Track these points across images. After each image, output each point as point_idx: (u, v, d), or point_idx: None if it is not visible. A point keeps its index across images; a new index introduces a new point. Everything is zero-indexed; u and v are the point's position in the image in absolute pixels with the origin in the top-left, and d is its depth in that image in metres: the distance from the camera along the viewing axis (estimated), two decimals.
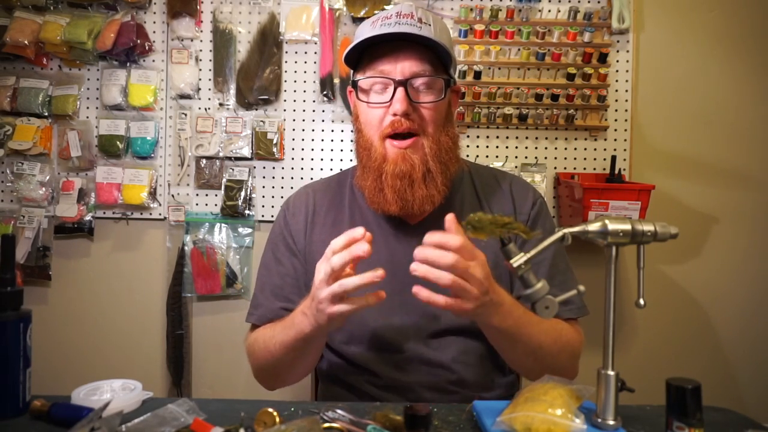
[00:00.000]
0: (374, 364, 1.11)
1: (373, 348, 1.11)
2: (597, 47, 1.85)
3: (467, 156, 1.86)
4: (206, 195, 1.92)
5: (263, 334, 1.10)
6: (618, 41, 1.91)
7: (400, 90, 1.03)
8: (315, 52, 1.91)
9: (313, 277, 1.16)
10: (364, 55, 1.08)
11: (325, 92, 1.89)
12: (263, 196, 1.92)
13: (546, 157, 1.91)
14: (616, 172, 1.82)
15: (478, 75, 1.84)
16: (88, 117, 1.91)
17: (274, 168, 1.93)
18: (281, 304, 1.15)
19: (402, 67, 1.04)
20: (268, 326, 1.12)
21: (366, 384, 1.12)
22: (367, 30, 1.07)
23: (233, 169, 1.90)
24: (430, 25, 1.06)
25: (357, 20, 1.88)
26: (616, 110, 1.91)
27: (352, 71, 1.14)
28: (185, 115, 1.90)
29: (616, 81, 1.91)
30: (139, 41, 1.85)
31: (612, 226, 0.78)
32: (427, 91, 1.07)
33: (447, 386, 1.09)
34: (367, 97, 1.08)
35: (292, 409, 0.88)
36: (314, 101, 1.92)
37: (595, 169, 1.91)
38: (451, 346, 1.10)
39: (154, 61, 1.91)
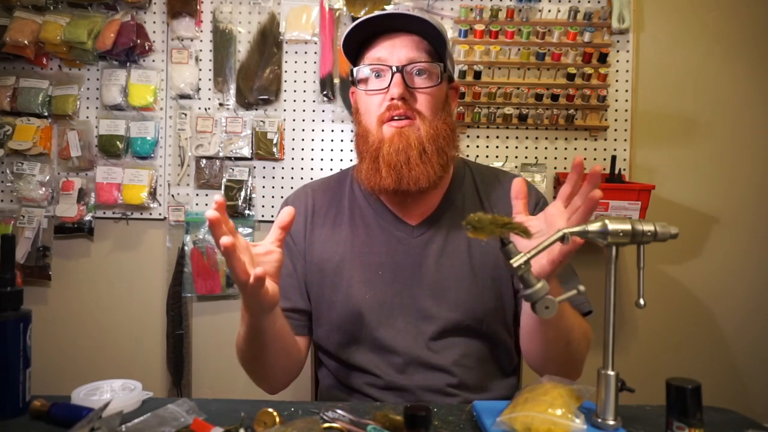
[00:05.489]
0: (374, 366, 1.10)
1: (372, 350, 1.11)
2: (597, 47, 1.85)
3: (467, 156, 1.86)
4: (206, 195, 1.92)
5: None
6: (618, 41, 1.91)
7: (397, 75, 1.05)
8: (315, 52, 1.91)
9: (314, 278, 1.16)
10: (362, 47, 1.11)
11: (325, 92, 1.89)
12: (263, 196, 1.92)
13: (546, 157, 1.91)
14: (616, 172, 1.82)
15: (478, 75, 1.84)
16: (88, 117, 1.91)
17: (274, 168, 1.93)
18: (284, 305, 1.15)
19: (398, 54, 1.07)
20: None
21: (366, 386, 1.11)
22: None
23: (233, 169, 1.90)
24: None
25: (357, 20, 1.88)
26: (616, 110, 1.91)
27: (351, 67, 1.16)
28: (185, 115, 1.90)
29: (616, 81, 1.91)
30: (139, 41, 1.85)
31: (612, 226, 0.78)
32: (424, 77, 1.09)
33: (447, 389, 1.09)
34: (365, 85, 1.11)
35: (292, 409, 0.88)
36: (314, 101, 1.92)
37: None
38: (451, 349, 1.09)
39: (154, 61, 1.91)
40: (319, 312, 1.16)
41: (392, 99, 1.06)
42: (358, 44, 1.12)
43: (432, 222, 1.14)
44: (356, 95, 1.15)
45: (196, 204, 1.92)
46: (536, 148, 1.92)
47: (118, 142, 1.88)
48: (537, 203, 1.18)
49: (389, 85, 1.06)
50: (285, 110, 1.92)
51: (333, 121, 1.92)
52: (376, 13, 1.08)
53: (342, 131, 1.92)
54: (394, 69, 1.06)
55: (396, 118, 1.07)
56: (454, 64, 1.29)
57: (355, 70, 1.12)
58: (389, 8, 1.84)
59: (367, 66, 1.10)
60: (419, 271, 1.11)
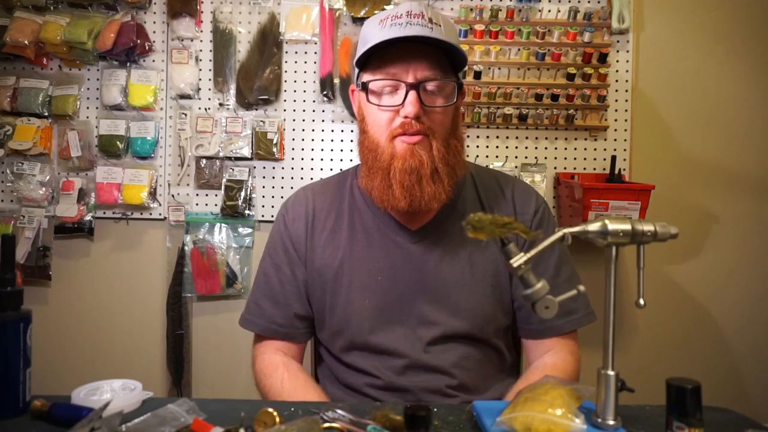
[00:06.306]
0: (373, 369, 1.10)
1: (373, 354, 1.10)
2: (597, 47, 1.85)
3: (467, 156, 1.86)
4: (206, 195, 1.92)
5: (278, 384, 1.09)
6: (618, 41, 1.91)
7: (412, 93, 1.02)
8: (315, 52, 1.91)
9: (315, 283, 1.15)
10: (374, 55, 1.06)
11: (325, 92, 1.89)
12: (263, 196, 1.92)
13: (546, 157, 1.91)
14: (616, 172, 1.82)
15: (478, 75, 1.84)
16: (88, 117, 1.91)
17: (274, 168, 1.93)
18: (284, 314, 1.15)
19: (414, 70, 1.02)
20: (278, 379, 1.10)
21: (366, 387, 1.11)
22: (376, 29, 1.04)
23: (233, 169, 1.90)
24: (440, 25, 1.04)
25: (357, 20, 1.88)
26: (616, 110, 1.91)
27: (357, 70, 1.11)
28: (185, 115, 1.90)
29: (616, 81, 1.91)
30: (139, 41, 1.85)
31: (612, 226, 0.78)
32: (439, 94, 1.05)
33: (447, 390, 1.09)
34: (377, 99, 1.06)
35: (292, 409, 0.88)
36: (314, 101, 1.92)
37: (595, 169, 1.91)
38: (450, 352, 1.09)
39: (154, 61, 1.91)
40: (321, 317, 1.15)
41: (406, 117, 1.02)
42: (370, 49, 1.06)
43: (432, 228, 1.13)
44: (365, 106, 1.09)
45: (196, 204, 1.92)
46: (536, 148, 1.92)
47: (118, 142, 1.88)
48: (537, 210, 1.16)
49: (403, 102, 1.02)
50: (285, 110, 1.92)
51: (333, 121, 1.92)
52: (404, 33, 1.01)
53: (342, 131, 1.92)
54: (410, 86, 1.02)
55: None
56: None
57: (366, 81, 1.07)
58: (389, 8, 1.83)
59: (380, 80, 1.05)
60: (419, 276, 1.10)
